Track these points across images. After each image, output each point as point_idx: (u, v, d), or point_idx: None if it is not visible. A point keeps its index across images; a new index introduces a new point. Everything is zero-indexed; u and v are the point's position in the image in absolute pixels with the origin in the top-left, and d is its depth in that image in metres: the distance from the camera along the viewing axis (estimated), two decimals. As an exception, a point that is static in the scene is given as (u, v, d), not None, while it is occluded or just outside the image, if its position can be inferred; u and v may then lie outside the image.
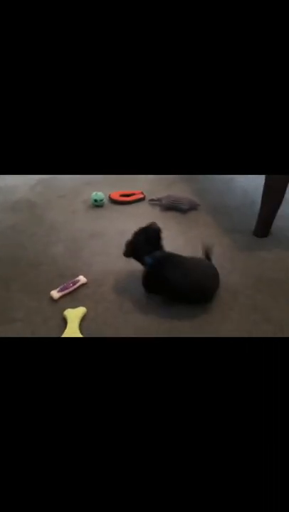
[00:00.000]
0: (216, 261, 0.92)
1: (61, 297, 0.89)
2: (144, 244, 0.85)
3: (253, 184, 1.58)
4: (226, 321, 0.83)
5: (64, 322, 0.80)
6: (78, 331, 0.77)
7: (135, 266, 0.91)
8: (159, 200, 1.40)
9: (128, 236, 0.90)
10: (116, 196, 1.45)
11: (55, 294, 0.89)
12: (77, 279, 0.94)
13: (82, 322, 0.81)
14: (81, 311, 0.83)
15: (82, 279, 0.95)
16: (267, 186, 1.05)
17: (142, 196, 1.46)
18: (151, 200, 1.43)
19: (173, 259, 0.84)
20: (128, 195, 1.46)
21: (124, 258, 0.91)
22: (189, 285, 0.81)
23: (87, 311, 0.85)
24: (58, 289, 0.90)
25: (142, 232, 0.87)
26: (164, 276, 0.81)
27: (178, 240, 1.15)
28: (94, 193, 1.38)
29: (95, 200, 1.37)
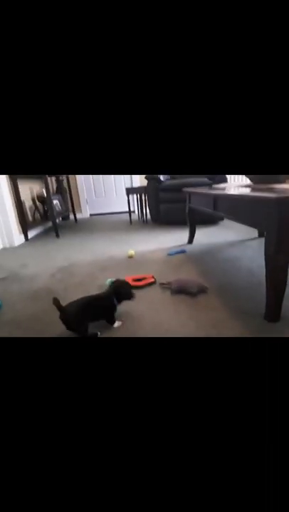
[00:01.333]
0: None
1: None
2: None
3: (256, 263, 1.68)
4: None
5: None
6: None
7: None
8: (169, 284, 1.49)
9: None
10: (129, 281, 1.56)
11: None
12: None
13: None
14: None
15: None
16: (269, 268, 1.12)
17: (152, 280, 1.56)
18: (162, 284, 1.52)
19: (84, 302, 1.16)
20: (140, 280, 1.57)
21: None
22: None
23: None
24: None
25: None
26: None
27: (189, 324, 1.18)
28: (109, 280, 1.49)
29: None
